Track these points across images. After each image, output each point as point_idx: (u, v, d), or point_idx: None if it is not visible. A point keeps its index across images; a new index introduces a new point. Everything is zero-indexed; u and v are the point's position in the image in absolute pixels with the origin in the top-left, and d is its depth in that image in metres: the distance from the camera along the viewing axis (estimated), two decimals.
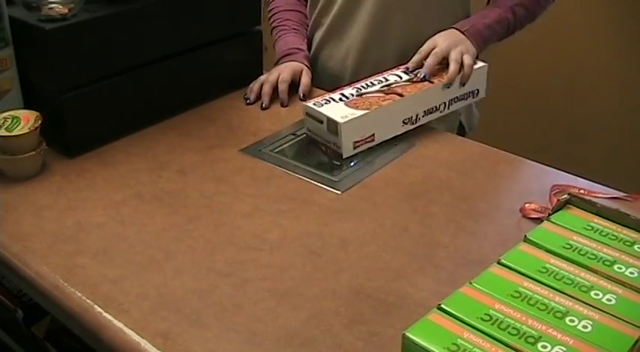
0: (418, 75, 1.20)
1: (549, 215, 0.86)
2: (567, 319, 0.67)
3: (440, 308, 0.69)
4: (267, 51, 1.44)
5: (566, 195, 0.88)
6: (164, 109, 1.23)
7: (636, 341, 0.65)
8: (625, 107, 2.01)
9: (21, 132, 1.01)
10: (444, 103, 1.20)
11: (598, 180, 1.06)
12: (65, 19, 1.04)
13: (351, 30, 1.37)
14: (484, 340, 0.65)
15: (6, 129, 1.01)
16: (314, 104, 1.14)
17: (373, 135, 1.13)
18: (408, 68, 1.22)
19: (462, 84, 1.21)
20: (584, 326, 0.67)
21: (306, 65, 1.34)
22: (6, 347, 1.20)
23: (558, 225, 0.83)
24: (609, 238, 0.81)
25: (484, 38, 1.26)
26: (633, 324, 0.67)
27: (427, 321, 0.67)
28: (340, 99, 1.15)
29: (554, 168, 1.11)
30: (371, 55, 1.36)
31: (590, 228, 0.83)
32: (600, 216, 0.85)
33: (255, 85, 1.31)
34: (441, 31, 1.25)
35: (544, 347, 0.64)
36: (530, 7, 1.32)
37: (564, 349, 0.64)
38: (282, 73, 1.30)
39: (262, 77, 1.32)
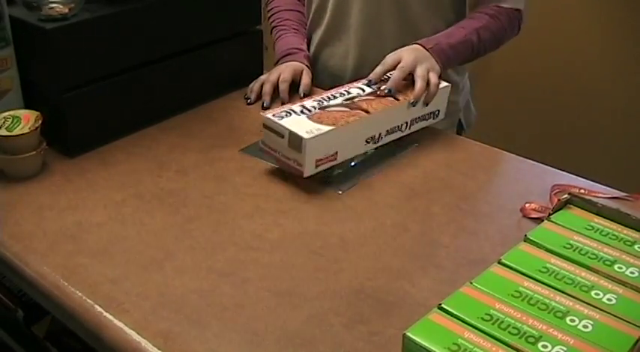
0: (382, 89, 1.13)
1: (550, 215, 0.86)
2: (568, 319, 0.67)
3: (440, 308, 0.69)
4: (267, 50, 1.44)
5: (566, 195, 0.88)
6: (164, 109, 1.23)
7: (637, 341, 0.65)
8: (626, 106, 2.01)
9: (21, 132, 1.01)
10: (406, 123, 1.14)
11: (598, 179, 1.06)
12: (65, 18, 1.04)
13: (348, 29, 1.37)
14: (485, 340, 0.65)
15: (6, 129, 1.01)
16: (273, 115, 1.04)
17: (336, 153, 1.04)
18: (370, 80, 1.16)
19: (426, 103, 1.15)
20: (585, 326, 0.67)
21: (306, 65, 1.34)
22: (6, 346, 1.20)
23: (559, 224, 0.83)
24: (610, 238, 0.81)
25: (448, 57, 1.21)
26: (634, 324, 0.67)
27: (428, 321, 0.67)
28: (302, 112, 1.05)
29: (555, 167, 1.11)
30: (370, 53, 1.36)
31: (590, 227, 0.83)
32: (601, 216, 0.85)
33: (255, 85, 1.31)
34: (405, 45, 1.21)
35: (544, 346, 0.64)
36: (497, 32, 1.27)
37: (565, 349, 0.64)
38: (282, 72, 1.30)
39: (263, 77, 1.32)
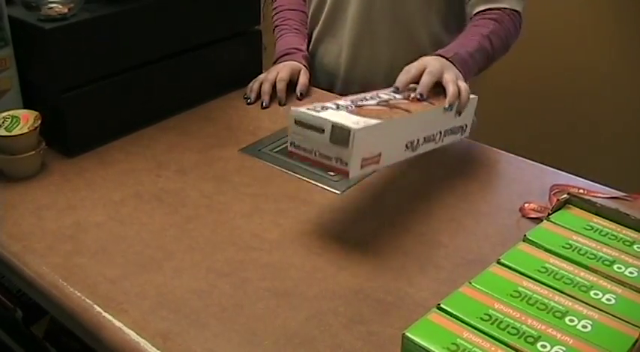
0: (413, 96, 1.03)
1: (549, 215, 0.86)
2: (567, 319, 0.67)
3: (439, 308, 0.69)
4: (266, 50, 1.44)
5: (565, 195, 0.88)
6: (163, 109, 1.23)
7: (636, 341, 0.65)
8: (625, 107, 2.01)
9: (20, 132, 1.01)
10: (440, 133, 1.04)
11: (597, 179, 1.06)
12: (65, 18, 1.04)
13: (342, 27, 1.38)
14: (484, 340, 0.64)
15: (5, 128, 1.01)
16: (307, 109, 0.90)
17: (380, 154, 0.92)
18: (397, 88, 1.06)
19: (459, 112, 1.06)
20: (584, 326, 0.67)
21: (304, 65, 1.34)
22: (5, 346, 1.20)
23: (558, 224, 0.83)
24: (609, 238, 0.81)
25: (469, 67, 1.16)
26: (633, 324, 0.67)
27: (427, 321, 0.67)
28: (338, 108, 0.93)
29: (554, 167, 1.11)
30: (362, 51, 1.36)
31: (589, 227, 0.83)
32: (600, 216, 0.85)
33: (254, 85, 1.31)
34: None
35: (543, 346, 0.64)
36: (505, 37, 1.24)
37: (564, 349, 0.64)
38: (280, 71, 1.30)
39: (261, 76, 1.32)
